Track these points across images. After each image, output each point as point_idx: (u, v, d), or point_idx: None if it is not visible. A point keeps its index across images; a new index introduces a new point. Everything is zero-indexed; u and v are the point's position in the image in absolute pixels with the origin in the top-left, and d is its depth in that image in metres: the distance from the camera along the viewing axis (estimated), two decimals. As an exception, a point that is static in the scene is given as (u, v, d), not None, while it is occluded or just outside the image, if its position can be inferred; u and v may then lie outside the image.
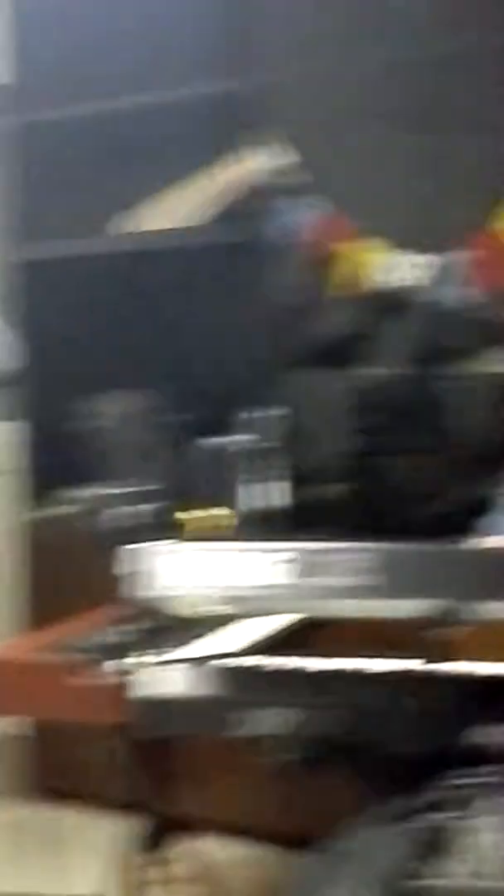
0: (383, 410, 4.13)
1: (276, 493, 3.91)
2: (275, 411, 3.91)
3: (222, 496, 3.87)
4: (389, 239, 4.22)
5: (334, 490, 4.05)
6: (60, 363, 4.35)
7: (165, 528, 2.93)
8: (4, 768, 4.78)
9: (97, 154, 4.79)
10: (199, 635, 2.91)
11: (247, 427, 3.99)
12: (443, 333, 4.14)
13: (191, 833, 3.51)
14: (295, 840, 3.73)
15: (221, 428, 4.01)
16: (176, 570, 2.62)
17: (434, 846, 1.75)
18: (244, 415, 3.91)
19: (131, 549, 2.63)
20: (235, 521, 3.62)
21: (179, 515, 3.55)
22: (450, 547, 3.16)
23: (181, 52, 4.54)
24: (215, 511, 3.65)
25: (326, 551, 2.53)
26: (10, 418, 4.53)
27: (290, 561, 2.56)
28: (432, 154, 4.15)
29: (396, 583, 2.49)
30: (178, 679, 2.68)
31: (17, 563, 4.87)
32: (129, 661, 2.68)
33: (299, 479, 3.89)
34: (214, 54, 4.47)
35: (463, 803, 1.81)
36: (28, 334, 4.37)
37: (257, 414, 3.94)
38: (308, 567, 2.53)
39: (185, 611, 2.73)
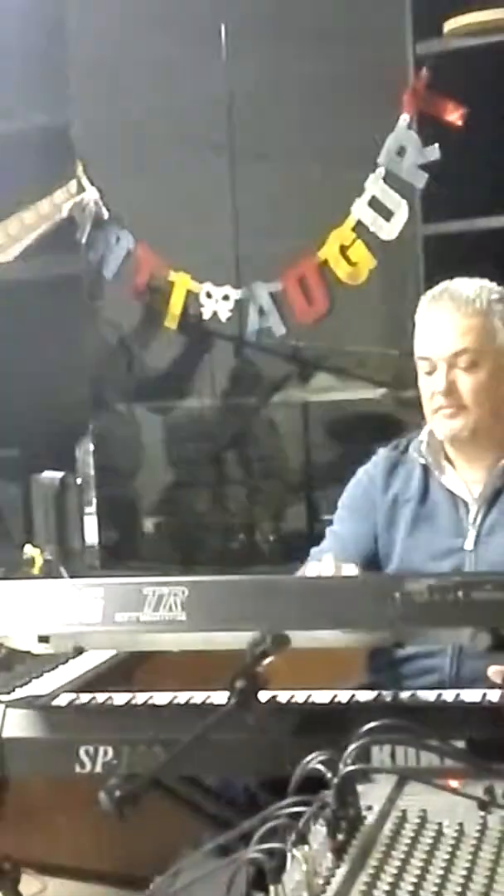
0: (194, 443, 4.13)
1: (90, 529, 3.92)
2: (91, 446, 3.92)
3: (43, 531, 3.87)
4: (202, 269, 4.25)
5: (147, 523, 4.03)
6: None
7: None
8: None
9: None
10: (31, 673, 2.93)
11: (65, 463, 4.00)
12: (260, 365, 4.16)
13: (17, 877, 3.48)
14: (124, 879, 3.74)
15: (43, 464, 4.02)
16: (7, 608, 2.63)
17: (265, 877, 1.76)
18: (63, 450, 3.92)
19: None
20: (50, 557, 3.62)
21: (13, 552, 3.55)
22: (263, 577, 3.19)
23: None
24: (33, 548, 3.65)
25: (146, 584, 2.56)
26: None
27: (106, 596, 2.57)
28: (247, 183, 4.17)
29: (210, 615, 2.52)
30: (14, 719, 2.67)
31: None
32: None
33: (112, 514, 3.89)
34: (28, 91, 4.47)
35: (292, 832, 1.83)
36: None
37: (78, 450, 3.95)
38: (126, 602, 2.55)
39: (18, 647, 2.75)
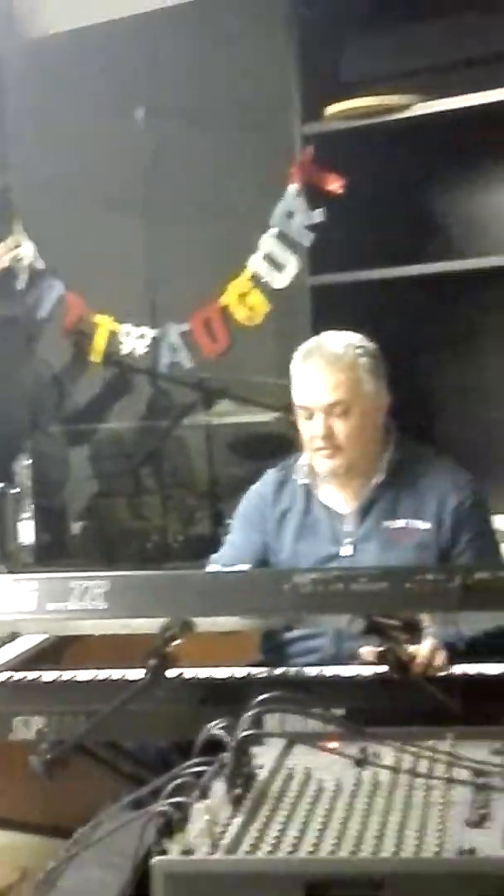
0: (115, 459, 4.12)
1: (26, 531, 3.90)
2: (26, 462, 3.90)
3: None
4: (122, 311, 4.23)
5: (75, 527, 4.01)
6: None
7: None
8: None
9: None
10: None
11: (4, 476, 3.96)
12: (171, 393, 4.16)
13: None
14: (52, 829, 3.70)
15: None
16: None
17: (172, 826, 1.75)
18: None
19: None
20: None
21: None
22: (172, 572, 3.18)
23: None
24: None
25: (72, 577, 2.55)
26: None
27: (40, 589, 2.56)
28: (160, 239, 4.17)
29: (133, 602, 2.51)
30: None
31: None
32: None
33: (45, 519, 3.87)
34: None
35: (196, 788, 1.82)
36: None
37: (16, 465, 3.93)
38: (57, 593, 2.54)
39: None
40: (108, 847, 2.39)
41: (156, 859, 1.69)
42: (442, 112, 3.70)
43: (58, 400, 4.40)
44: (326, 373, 2.87)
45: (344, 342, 2.93)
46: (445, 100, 3.68)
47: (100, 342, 4.24)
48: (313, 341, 2.99)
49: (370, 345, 2.96)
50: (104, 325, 4.24)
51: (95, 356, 4.24)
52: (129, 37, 4.14)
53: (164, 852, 1.70)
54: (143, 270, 4.20)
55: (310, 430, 2.88)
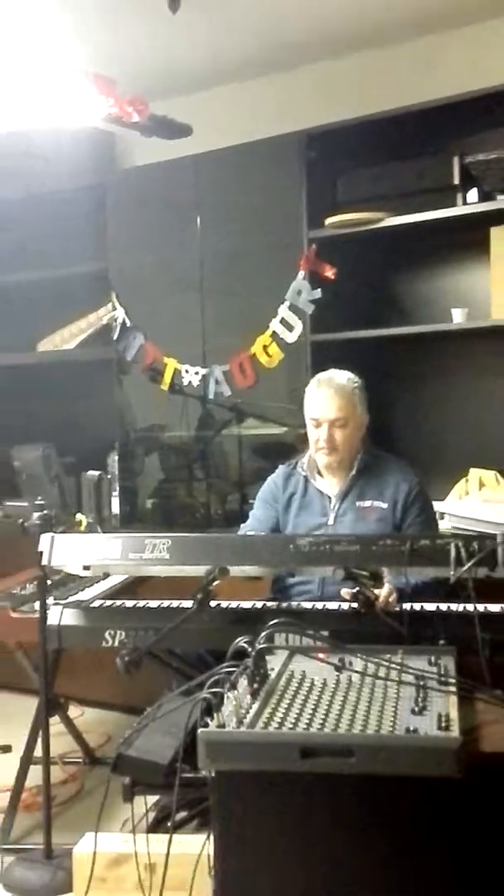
0: (175, 456, 4.13)
1: (116, 505, 3.92)
2: (115, 457, 3.93)
3: (88, 505, 3.85)
4: (183, 356, 4.22)
5: (147, 503, 4.01)
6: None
7: (63, 525, 2.90)
8: None
9: (24, 302, 4.69)
10: (78, 588, 2.92)
11: (101, 466, 3.99)
12: (214, 412, 4.16)
13: (66, 706, 3.45)
14: (129, 708, 3.71)
15: (89, 466, 4.01)
16: (68, 549, 2.63)
17: (211, 708, 1.76)
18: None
19: (44, 537, 2.63)
20: (91, 521, 3.60)
21: (73, 517, 3.53)
22: (214, 535, 3.19)
23: (66, 248, 4.50)
24: (82, 515, 3.63)
25: (145, 537, 2.58)
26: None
27: (124, 544, 2.58)
28: (210, 307, 4.16)
29: (187, 555, 2.53)
30: (68, 613, 2.71)
31: None
32: (39, 603, 2.67)
33: (127, 497, 3.89)
34: (85, 249, 4.45)
35: (227, 682, 1.83)
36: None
37: (109, 459, 3.96)
38: (135, 548, 2.56)
39: (73, 572, 2.75)
40: (167, 721, 2.40)
41: (200, 731, 1.72)
42: (402, 224, 3.69)
43: (137, 415, 4.42)
44: (335, 398, 2.89)
45: (346, 377, 2.97)
46: (404, 216, 3.68)
47: (168, 376, 4.23)
48: (325, 374, 3.01)
49: (360, 380, 2.99)
50: (171, 364, 4.22)
51: (164, 386, 4.23)
52: (189, 168, 4.15)
53: (205, 726, 1.72)
54: (198, 328, 4.17)
55: (317, 435, 2.91)
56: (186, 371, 4.20)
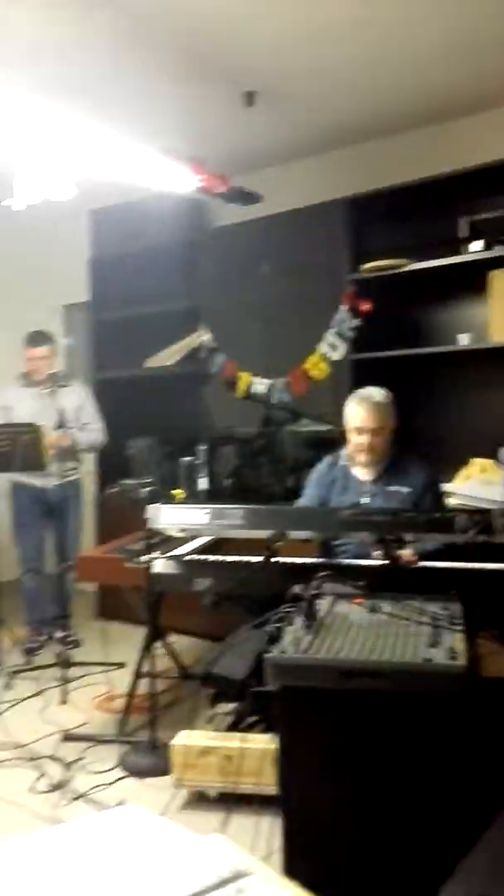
0: (247, 447, 4.14)
1: (203, 483, 3.94)
2: (202, 447, 3.94)
3: (183, 484, 3.90)
4: (253, 370, 4.23)
5: (226, 482, 4.03)
6: (117, 426, 4.31)
7: (164, 498, 2.94)
8: (86, 605, 4.73)
9: (136, 331, 4.72)
10: (176, 545, 2.96)
11: (192, 453, 4.03)
12: (276, 413, 4.17)
13: (166, 634, 3.49)
14: (212, 637, 3.75)
15: (184, 454, 4.06)
16: (168, 516, 2.66)
17: (275, 639, 1.79)
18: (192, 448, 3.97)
19: (151, 507, 2.67)
20: (185, 495, 3.64)
21: (171, 492, 3.57)
22: (278, 507, 3.19)
23: (166, 289, 4.53)
24: (180, 490, 3.68)
25: (225, 508, 2.59)
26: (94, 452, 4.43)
27: (209, 513, 2.60)
28: (274, 333, 4.15)
29: (256, 522, 2.54)
30: (168, 564, 2.73)
31: (96, 513, 4.77)
32: (147, 557, 2.72)
33: (212, 477, 3.90)
34: (181, 290, 4.48)
35: (287, 619, 1.85)
36: (105, 417, 4.24)
37: (197, 448, 3.99)
38: (217, 515, 2.58)
39: (172, 533, 2.78)
40: (242, 648, 2.44)
41: (266, 656, 1.75)
42: (420, 268, 3.66)
43: (218, 416, 4.44)
44: (374, 410, 2.86)
45: (381, 394, 2.92)
46: (422, 262, 3.65)
47: (241, 386, 4.24)
48: (365, 391, 2.95)
49: (391, 394, 2.95)
50: (245, 377, 4.23)
51: (239, 393, 4.25)
52: (260, 227, 4.16)
53: (271, 651, 1.75)
54: (265, 349, 4.18)
55: (358, 440, 2.87)
56: (255, 382, 4.20)
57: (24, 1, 2.63)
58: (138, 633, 3.16)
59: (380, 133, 4.03)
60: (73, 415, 3.95)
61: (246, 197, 3.80)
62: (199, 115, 3.73)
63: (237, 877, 0.87)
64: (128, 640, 3.76)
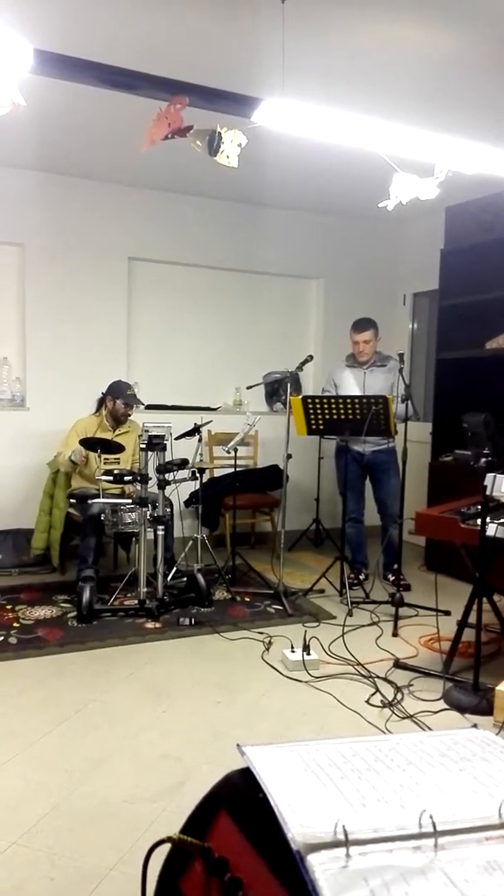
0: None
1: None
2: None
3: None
4: None
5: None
6: (455, 400, 4.23)
7: (498, 468, 2.85)
8: (415, 556, 4.75)
9: (476, 315, 4.54)
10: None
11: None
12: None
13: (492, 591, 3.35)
14: None
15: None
16: (503, 485, 2.59)
17: None
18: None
19: (489, 475, 2.63)
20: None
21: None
22: None
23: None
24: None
25: None
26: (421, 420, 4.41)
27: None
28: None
29: None
30: (501, 529, 2.64)
31: (427, 480, 4.74)
32: (478, 520, 2.68)
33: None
34: None
35: None
36: (438, 395, 4.17)
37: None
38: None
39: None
40: None
41: None
42: None
43: None
44: None
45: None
46: None
47: None
48: None
49: None
50: None
51: None
52: None
53: None
54: None
55: None
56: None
57: (404, 20, 2.65)
58: (462, 588, 3.14)
59: None
60: (388, 392, 4.02)
61: None
62: None
63: None
64: (452, 592, 3.75)
